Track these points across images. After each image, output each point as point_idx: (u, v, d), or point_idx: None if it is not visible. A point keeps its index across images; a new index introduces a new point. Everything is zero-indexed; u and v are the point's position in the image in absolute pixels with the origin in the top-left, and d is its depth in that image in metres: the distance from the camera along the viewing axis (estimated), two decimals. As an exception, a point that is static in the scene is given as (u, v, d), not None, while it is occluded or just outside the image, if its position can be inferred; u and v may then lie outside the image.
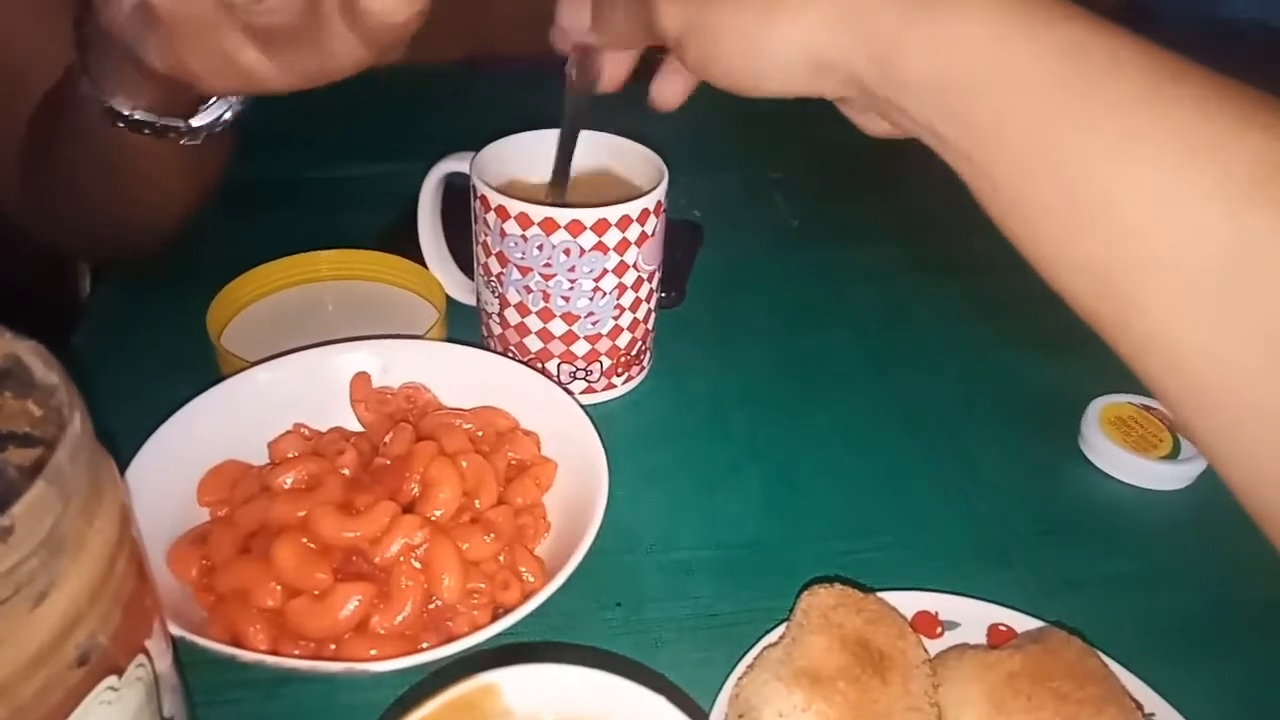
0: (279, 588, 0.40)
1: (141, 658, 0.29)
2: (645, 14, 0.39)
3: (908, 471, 0.57)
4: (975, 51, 0.31)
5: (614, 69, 0.46)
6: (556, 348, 0.57)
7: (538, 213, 0.52)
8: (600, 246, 0.53)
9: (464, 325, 0.62)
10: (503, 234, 0.54)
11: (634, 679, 0.29)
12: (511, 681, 0.29)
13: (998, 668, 0.38)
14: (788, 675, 0.37)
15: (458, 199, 0.59)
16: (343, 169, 0.84)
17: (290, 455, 0.47)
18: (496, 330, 0.59)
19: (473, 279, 0.61)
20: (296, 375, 0.52)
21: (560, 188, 0.55)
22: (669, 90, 0.44)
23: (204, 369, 0.56)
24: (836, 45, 0.34)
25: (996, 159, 0.32)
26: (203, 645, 0.37)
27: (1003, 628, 0.44)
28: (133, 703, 0.28)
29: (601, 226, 0.53)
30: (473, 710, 0.29)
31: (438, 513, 0.44)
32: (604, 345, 0.58)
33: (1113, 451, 0.57)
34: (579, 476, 0.48)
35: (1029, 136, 0.31)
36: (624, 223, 0.53)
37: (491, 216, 0.54)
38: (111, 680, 0.27)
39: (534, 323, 0.56)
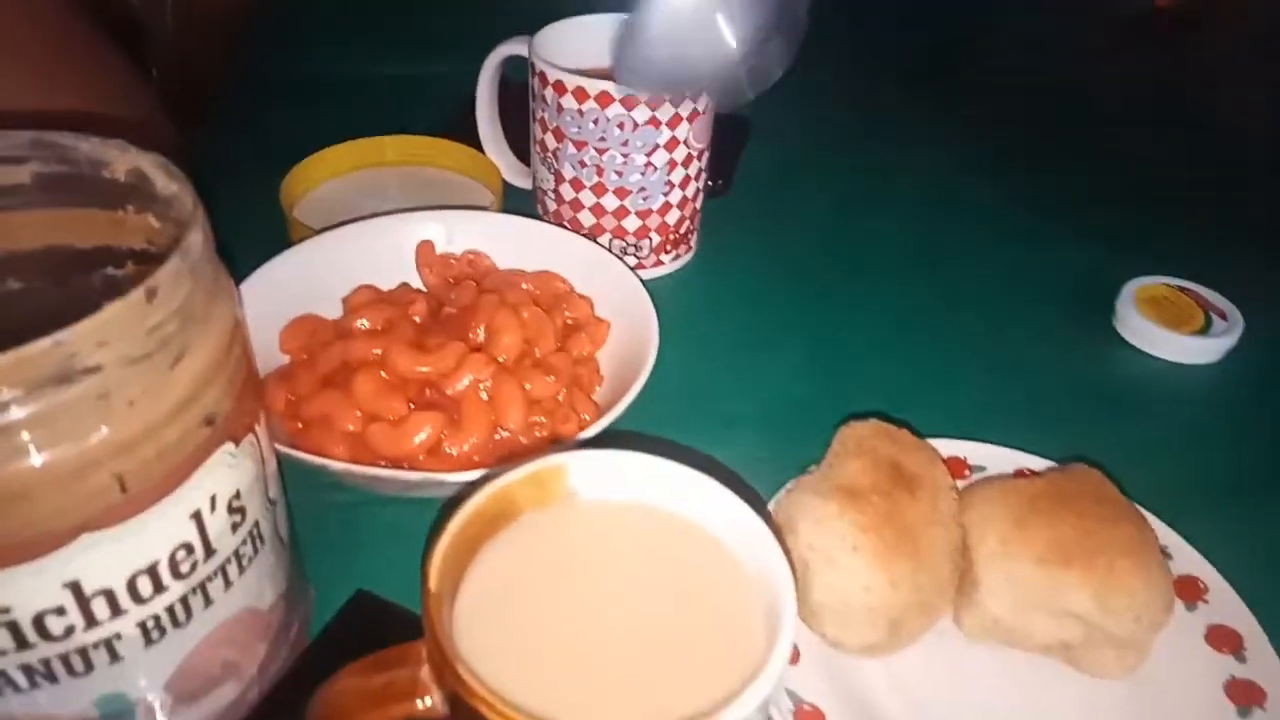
0: (359, 414, 0.44)
1: (252, 437, 0.33)
2: None
3: (947, 348, 0.60)
4: None
5: None
6: (609, 223, 0.60)
7: (593, 87, 0.55)
8: (653, 121, 0.56)
9: (519, 209, 0.65)
10: (559, 109, 0.56)
11: (697, 468, 0.32)
12: (577, 464, 0.33)
13: (1021, 492, 0.41)
14: (824, 490, 0.40)
15: (514, 94, 0.61)
16: (401, 67, 0.86)
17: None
18: (551, 207, 0.61)
19: (528, 165, 0.64)
20: (367, 240, 0.55)
21: None
22: None
23: (275, 248, 0.59)
24: None
25: None
26: (295, 456, 0.41)
27: (1029, 471, 0.47)
28: (248, 471, 0.32)
29: (655, 101, 0.55)
30: (541, 487, 0.32)
31: (502, 357, 0.47)
32: (654, 221, 0.60)
33: (1146, 328, 0.59)
34: (630, 335, 0.52)
35: None
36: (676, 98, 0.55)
37: (549, 92, 0.56)
38: (230, 447, 0.31)
39: (587, 198, 0.59)
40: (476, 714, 0.26)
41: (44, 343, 0.24)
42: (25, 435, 0.25)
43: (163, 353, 0.27)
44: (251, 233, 0.61)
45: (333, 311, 0.53)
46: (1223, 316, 0.60)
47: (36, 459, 0.25)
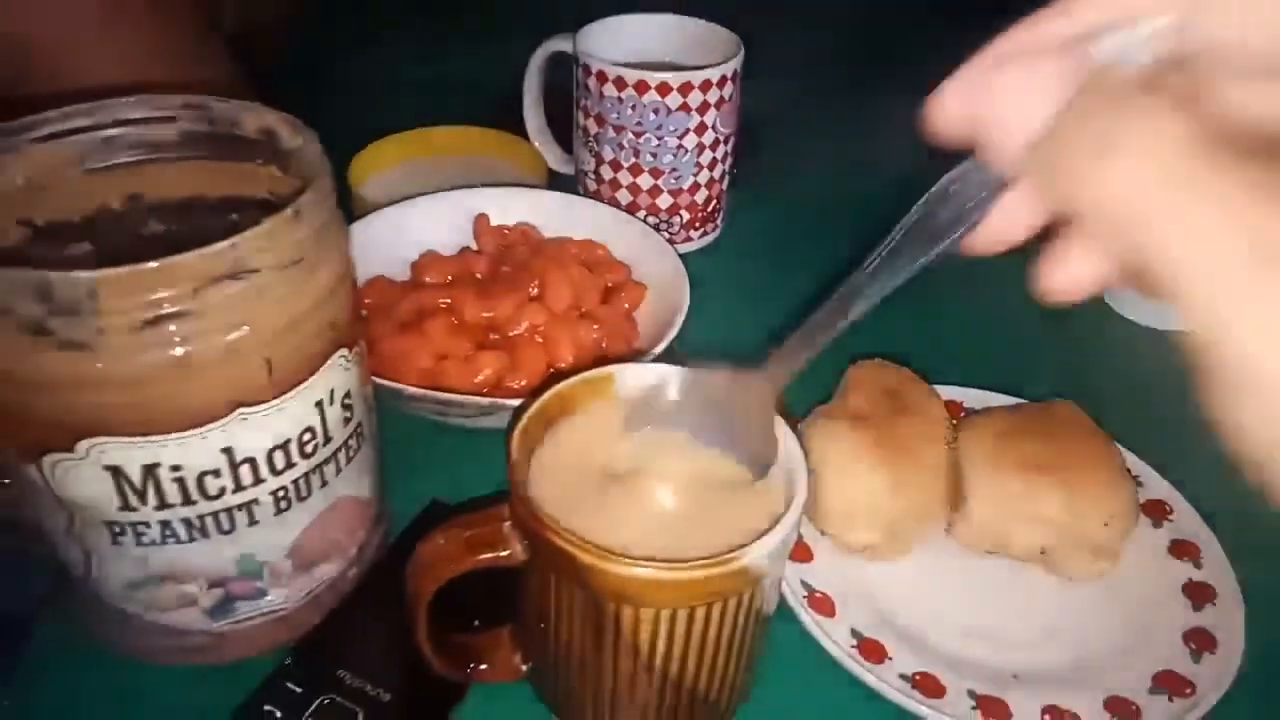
0: (432, 352, 0.51)
1: (359, 348, 0.39)
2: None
3: (948, 310, 0.65)
4: None
5: (1006, 224, 0.31)
6: (644, 201, 0.67)
7: (632, 75, 0.62)
8: (684, 107, 0.63)
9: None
10: (601, 96, 0.63)
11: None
12: (625, 373, 0.39)
13: (1006, 418, 0.47)
14: (835, 415, 0.46)
15: (551, 90, 0.68)
16: (442, 67, 0.93)
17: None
18: (592, 187, 0.68)
19: (569, 152, 0.71)
20: (428, 213, 0.62)
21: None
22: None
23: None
24: None
25: None
26: (380, 382, 0.47)
27: (1017, 410, 0.53)
28: (355, 374, 0.39)
29: (686, 88, 0.62)
30: (594, 392, 0.39)
31: (554, 307, 0.54)
32: (684, 200, 0.67)
33: (1134, 296, 0.65)
34: (663, 296, 0.58)
35: None
36: (705, 86, 0.62)
37: (592, 81, 0.63)
38: (344, 352, 0.38)
39: (625, 178, 0.66)
40: (553, 547, 0.32)
41: (222, 245, 0.31)
42: (203, 321, 0.32)
43: (303, 263, 0.34)
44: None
45: (399, 277, 0.60)
46: (1201, 287, 0.66)
47: (209, 341, 0.32)
